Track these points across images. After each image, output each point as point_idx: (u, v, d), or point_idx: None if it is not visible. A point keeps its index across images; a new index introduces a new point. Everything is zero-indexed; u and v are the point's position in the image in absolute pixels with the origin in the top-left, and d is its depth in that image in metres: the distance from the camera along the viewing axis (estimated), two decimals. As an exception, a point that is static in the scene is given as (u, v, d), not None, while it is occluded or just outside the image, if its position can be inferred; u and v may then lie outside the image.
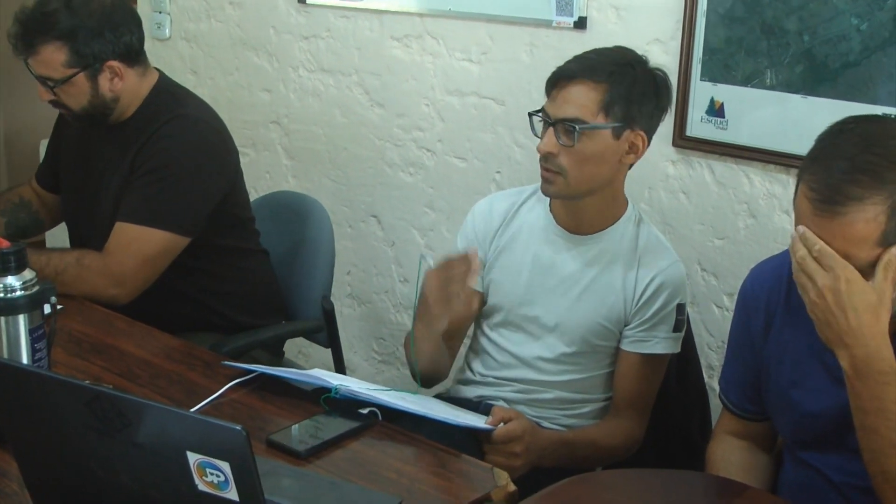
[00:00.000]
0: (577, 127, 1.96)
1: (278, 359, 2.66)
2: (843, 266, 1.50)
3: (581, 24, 2.67)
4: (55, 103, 2.39)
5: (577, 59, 2.03)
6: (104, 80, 2.35)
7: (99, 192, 2.46)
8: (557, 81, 2.01)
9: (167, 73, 2.55)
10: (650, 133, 2.05)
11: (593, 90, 1.97)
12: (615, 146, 2.00)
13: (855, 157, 1.49)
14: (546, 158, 2.00)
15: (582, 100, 1.97)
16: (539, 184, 2.10)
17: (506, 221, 2.18)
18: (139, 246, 2.30)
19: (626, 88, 1.98)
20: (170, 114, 2.38)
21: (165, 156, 2.34)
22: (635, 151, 2.03)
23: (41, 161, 2.76)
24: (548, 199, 2.14)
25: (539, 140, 2.03)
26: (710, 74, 2.45)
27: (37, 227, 2.73)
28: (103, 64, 2.33)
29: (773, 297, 1.75)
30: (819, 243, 1.51)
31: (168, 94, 2.46)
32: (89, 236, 2.44)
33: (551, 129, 1.99)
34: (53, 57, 2.30)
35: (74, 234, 2.62)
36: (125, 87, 2.38)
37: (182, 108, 2.41)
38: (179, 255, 2.37)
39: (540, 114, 2.04)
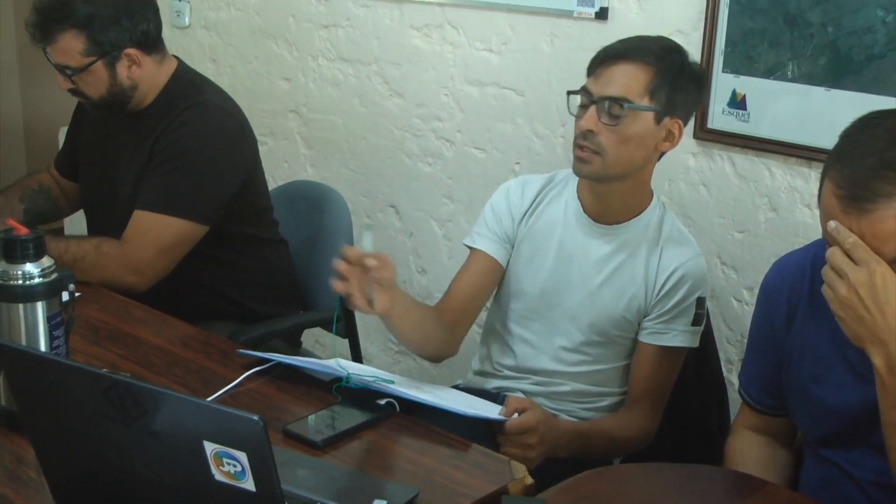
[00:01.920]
0: (624, 105, 1.94)
1: (296, 348, 2.65)
2: (877, 261, 1.48)
3: (602, 14, 2.65)
4: (74, 92, 2.39)
5: (622, 41, 2.02)
6: (122, 68, 2.35)
7: (117, 179, 2.46)
8: (604, 60, 1.99)
9: (186, 61, 2.55)
10: (685, 124, 2.04)
11: (642, 71, 1.96)
12: (654, 131, 1.99)
13: (882, 153, 1.47)
14: (585, 136, 1.97)
15: (629, 79, 1.95)
16: (567, 171, 2.08)
17: (534, 206, 2.16)
18: (157, 234, 2.30)
19: (673, 75, 1.97)
20: (188, 102, 2.37)
21: (184, 144, 2.34)
22: (671, 140, 2.02)
23: (60, 148, 2.76)
24: (575, 188, 2.13)
25: (575, 119, 2.01)
26: (732, 66, 2.43)
27: (55, 213, 2.73)
28: (121, 52, 2.33)
29: (795, 291, 1.73)
30: (852, 237, 1.49)
31: (187, 82, 2.45)
32: (107, 224, 2.44)
33: (593, 107, 1.97)
34: (71, 45, 2.30)
35: (93, 221, 2.63)
36: (143, 74, 2.38)
37: (200, 97, 2.41)
38: (198, 243, 2.36)
39: (580, 92, 2.01)
